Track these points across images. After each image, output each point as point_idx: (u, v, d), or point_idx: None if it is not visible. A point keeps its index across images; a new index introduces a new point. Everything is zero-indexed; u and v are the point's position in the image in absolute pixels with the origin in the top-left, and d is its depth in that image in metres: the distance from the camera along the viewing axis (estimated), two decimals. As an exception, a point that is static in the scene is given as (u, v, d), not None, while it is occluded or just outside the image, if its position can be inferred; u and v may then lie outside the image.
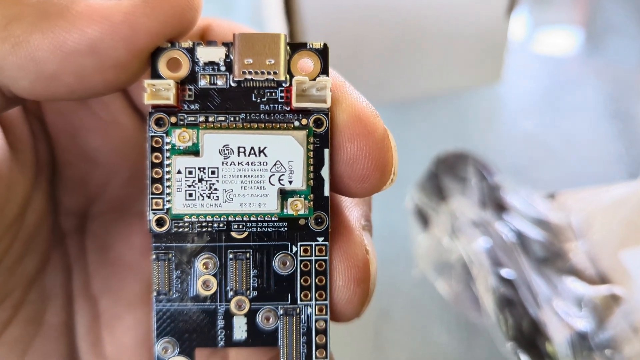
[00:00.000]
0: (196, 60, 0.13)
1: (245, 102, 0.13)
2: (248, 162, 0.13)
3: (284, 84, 0.13)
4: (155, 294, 0.14)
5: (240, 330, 0.14)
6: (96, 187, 0.17)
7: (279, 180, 0.13)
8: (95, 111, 0.16)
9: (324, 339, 0.14)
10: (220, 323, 0.14)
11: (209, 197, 0.13)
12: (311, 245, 0.14)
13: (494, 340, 0.29)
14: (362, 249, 0.14)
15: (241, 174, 0.13)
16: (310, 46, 0.14)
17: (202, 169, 0.13)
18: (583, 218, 0.33)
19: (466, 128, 0.46)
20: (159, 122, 0.13)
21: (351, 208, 0.15)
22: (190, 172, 0.13)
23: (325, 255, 0.14)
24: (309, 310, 0.14)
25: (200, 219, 0.13)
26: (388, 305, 0.35)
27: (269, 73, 0.13)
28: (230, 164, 0.13)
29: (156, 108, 0.13)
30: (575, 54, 0.55)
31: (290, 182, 0.13)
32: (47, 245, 0.16)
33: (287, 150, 0.13)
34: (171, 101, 0.13)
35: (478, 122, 0.47)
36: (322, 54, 0.14)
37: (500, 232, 0.31)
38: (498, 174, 0.36)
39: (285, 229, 0.14)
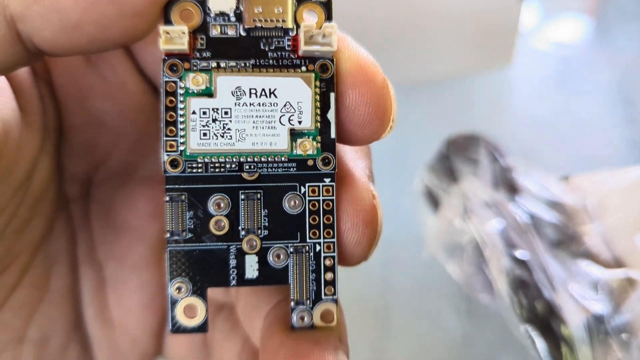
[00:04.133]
0: (207, 11, 0.14)
1: (254, 51, 0.14)
2: (259, 103, 0.14)
3: (291, 32, 0.14)
4: (168, 235, 0.14)
5: (251, 269, 0.14)
6: (102, 152, 0.17)
7: (289, 120, 0.14)
8: (103, 74, 0.16)
9: (333, 276, 0.14)
10: (233, 262, 0.14)
11: (222, 137, 0.14)
12: (319, 186, 0.14)
13: (505, 323, 0.28)
14: (369, 193, 0.15)
15: (253, 114, 0.14)
16: None
17: (215, 110, 0.14)
18: (598, 201, 0.33)
19: (476, 111, 0.45)
20: (172, 68, 0.14)
21: (355, 160, 0.15)
22: (204, 113, 0.14)
23: (332, 195, 0.14)
24: (317, 248, 0.14)
25: (214, 160, 0.14)
26: (398, 288, 0.34)
27: (277, 21, 0.14)
28: (243, 105, 0.14)
29: (169, 55, 0.14)
30: (586, 40, 0.54)
31: (300, 122, 0.14)
32: (52, 210, 0.16)
33: (296, 91, 0.14)
34: (185, 47, 0.13)
35: (488, 105, 0.46)
36: (326, 6, 0.15)
37: (513, 213, 0.31)
38: (510, 156, 0.35)
39: (295, 169, 0.14)
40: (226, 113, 0.14)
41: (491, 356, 0.30)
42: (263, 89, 0.14)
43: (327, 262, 0.14)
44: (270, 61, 0.14)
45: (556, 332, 0.26)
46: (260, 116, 0.14)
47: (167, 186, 0.14)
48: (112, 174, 0.17)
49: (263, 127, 0.14)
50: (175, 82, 0.14)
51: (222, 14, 0.14)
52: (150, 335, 0.18)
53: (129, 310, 0.18)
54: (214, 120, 0.14)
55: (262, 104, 0.14)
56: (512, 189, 0.33)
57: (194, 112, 0.13)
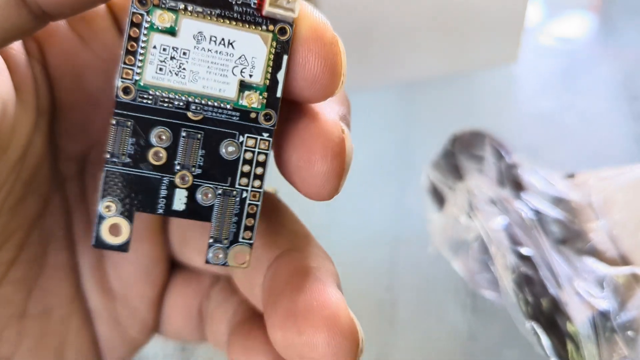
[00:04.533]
0: None
1: (221, 1, 0.14)
2: (217, 51, 0.14)
3: None
4: (108, 155, 0.14)
5: (179, 202, 0.15)
6: (97, 130, 0.17)
7: (241, 72, 0.15)
8: (97, 53, 0.17)
9: (253, 223, 0.15)
10: (163, 192, 0.15)
11: (176, 75, 0.14)
12: (256, 139, 0.15)
13: (511, 319, 0.28)
14: (338, 128, 0.15)
15: (209, 60, 0.14)
16: None
17: (175, 49, 0.14)
18: (604, 198, 0.33)
19: (482, 107, 0.45)
20: (142, 1, 0.14)
21: (329, 103, 0.16)
22: (164, 50, 0.14)
23: (268, 150, 0.15)
24: (244, 194, 0.15)
25: (164, 95, 0.14)
26: (403, 284, 0.34)
27: None
28: (201, 50, 0.14)
29: None
30: (592, 36, 0.54)
31: (251, 75, 0.15)
32: (47, 188, 0.17)
33: (253, 47, 0.15)
34: None
35: (494, 101, 0.46)
36: None
37: (518, 210, 0.31)
38: (515, 152, 0.35)
39: (237, 119, 0.15)
40: (184, 54, 0.14)
41: (496, 352, 0.30)
42: (223, 39, 0.14)
43: (250, 210, 0.15)
44: (235, 14, 0.14)
45: (562, 329, 0.26)
46: (215, 63, 0.14)
47: (116, 110, 0.14)
48: None
49: (215, 74, 0.15)
50: (142, 15, 0.14)
51: None
52: (148, 306, 0.19)
53: (127, 281, 0.18)
54: (172, 58, 0.14)
55: (219, 52, 0.14)
56: (518, 185, 0.33)
57: (154, 47, 0.14)
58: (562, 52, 0.51)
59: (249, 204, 0.15)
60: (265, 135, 0.15)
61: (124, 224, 0.15)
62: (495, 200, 0.31)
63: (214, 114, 0.15)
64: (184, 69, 0.14)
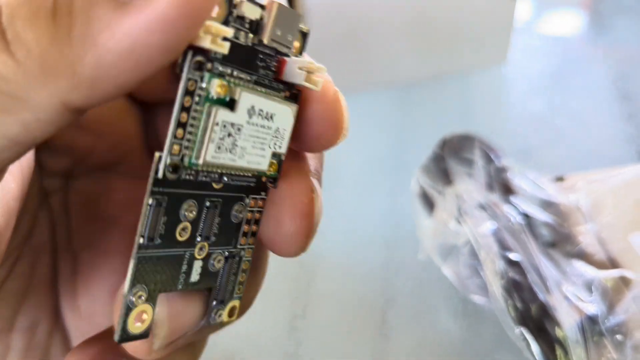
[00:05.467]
0: (232, 10, 0.13)
1: (250, 64, 0.14)
2: (262, 125, 0.14)
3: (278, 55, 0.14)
4: (142, 241, 0.13)
5: (195, 273, 0.14)
6: (81, 152, 0.17)
7: (275, 144, 0.15)
8: None
9: (244, 277, 0.15)
10: (184, 268, 0.14)
11: (230, 152, 0.14)
12: (257, 199, 0.15)
13: (502, 325, 0.28)
14: (309, 188, 0.15)
15: (255, 135, 0.14)
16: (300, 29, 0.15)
17: (233, 125, 0.13)
18: (592, 201, 0.33)
19: (472, 109, 0.45)
20: (199, 66, 0.12)
21: (304, 158, 0.16)
22: (224, 126, 0.13)
23: (262, 207, 0.15)
24: (242, 253, 0.15)
25: (209, 171, 0.14)
26: (394, 290, 0.34)
27: (287, 47, 0.14)
28: (251, 125, 0.14)
29: (195, 49, 0.12)
30: (582, 34, 0.54)
31: (280, 147, 0.15)
32: (36, 204, 0.17)
33: (285, 119, 0.14)
34: (225, 52, 0.13)
35: (484, 103, 0.46)
36: (305, 36, 0.15)
37: (507, 215, 0.31)
38: (505, 156, 0.35)
39: (254, 184, 0.15)
40: (239, 129, 0.14)
41: (487, 357, 0.30)
42: (267, 112, 0.14)
43: (244, 266, 0.15)
44: (265, 80, 0.14)
45: (550, 334, 0.27)
46: (259, 137, 0.14)
47: (154, 189, 0.13)
48: (92, 169, 0.18)
49: (257, 148, 0.14)
50: (196, 82, 0.12)
51: (243, 19, 0.13)
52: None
53: (96, 298, 0.18)
54: (229, 135, 0.13)
55: (263, 126, 0.14)
56: (507, 189, 0.33)
57: (217, 124, 0.13)
58: (552, 51, 0.52)
59: (244, 261, 0.15)
60: (264, 194, 0.15)
61: (148, 310, 0.13)
62: (484, 205, 0.31)
63: (235, 181, 0.14)
64: (236, 145, 0.14)
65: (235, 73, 0.13)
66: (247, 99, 0.13)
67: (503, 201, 0.32)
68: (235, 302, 0.15)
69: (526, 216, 0.32)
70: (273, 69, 0.14)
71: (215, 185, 0.14)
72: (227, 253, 0.15)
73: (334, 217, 0.38)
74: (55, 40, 0.11)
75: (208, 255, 0.14)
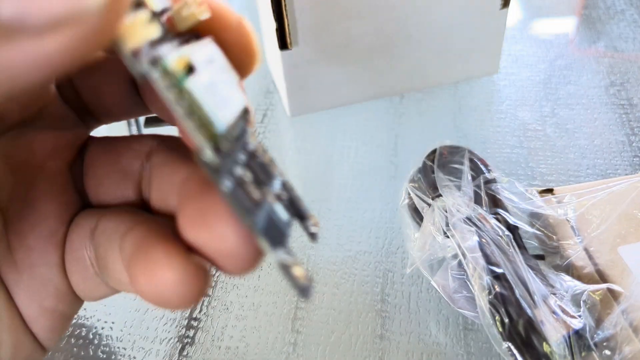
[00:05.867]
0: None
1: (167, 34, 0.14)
2: (215, 69, 0.15)
3: None
4: (252, 218, 0.14)
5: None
6: None
7: (232, 77, 0.15)
8: None
9: None
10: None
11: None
12: None
13: (490, 338, 0.28)
14: None
15: (220, 80, 0.15)
16: None
17: (207, 83, 0.14)
18: (580, 214, 0.33)
19: (464, 120, 0.45)
20: (155, 61, 0.12)
21: None
22: (205, 89, 0.14)
23: None
24: None
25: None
26: (383, 302, 0.34)
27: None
28: (212, 74, 0.15)
29: (135, 52, 0.12)
30: (574, 41, 0.54)
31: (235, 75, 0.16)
32: None
33: (218, 54, 0.15)
34: (159, 33, 0.13)
35: (475, 114, 0.46)
36: None
37: (495, 228, 0.31)
38: (494, 168, 0.35)
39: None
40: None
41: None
42: (207, 58, 0.15)
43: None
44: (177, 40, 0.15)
45: (538, 350, 0.27)
46: (222, 80, 0.15)
47: (217, 176, 0.14)
48: (7, 129, 0.17)
49: (229, 88, 0.15)
50: (166, 74, 0.13)
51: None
52: (57, 272, 0.18)
53: (31, 248, 0.17)
54: (212, 92, 0.14)
55: (217, 70, 0.15)
56: (495, 202, 0.33)
57: (199, 91, 0.14)
58: (543, 59, 0.52)
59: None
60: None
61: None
62: (472, 218, 0.31)
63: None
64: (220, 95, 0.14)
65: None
66: (193, 58, 0.13)
67: (491, 213, 0.32)
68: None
69: (514, 229, 0.32)
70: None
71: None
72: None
73: (334, 225, 0.38)
74: None
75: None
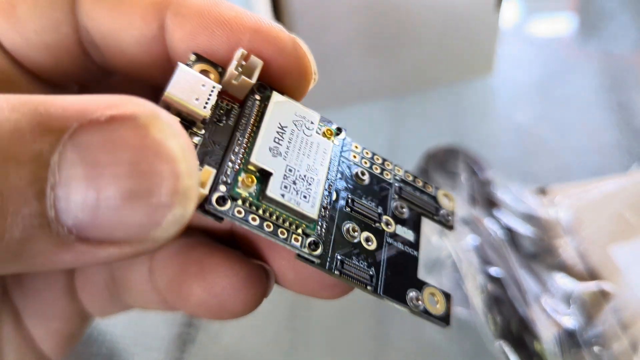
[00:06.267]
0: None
1: (222, 135, 0.15)
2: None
3: None
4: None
5: None
6: None
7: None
8: None
9: None
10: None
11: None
12: None
13: (483, 338, 0.29)
14: None
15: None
16: None
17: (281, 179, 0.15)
18: (573, 213, 0.33)
19: (458, 121, 0.46)
20: (223, 201, 0.14)
21: None
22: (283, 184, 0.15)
23: None
24: None
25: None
26: (379, 302, 0.35)
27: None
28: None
29: (206, 211, 0.14)
30: (568, 42, 0.54)
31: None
32: None
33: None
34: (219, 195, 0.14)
35: (470, 115, 0.47)
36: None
37: (489, 229, 0.31)
38: (489, 169, 0.36)
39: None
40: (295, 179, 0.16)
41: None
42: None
43: None
44: (244, 126, 0.15)
45: (529, 348, 0.27)
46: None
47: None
48: None
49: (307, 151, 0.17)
50: (239, 204, 0.14)
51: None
52: (63, 294, 0.18)
53: (36, 272, 0.17)
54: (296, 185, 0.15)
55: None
56: (490, 202, 0.34)
57: (276, 200, 0.15)
58: (538, 59, 0.52)
59: None
60: None
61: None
62: (466, 219, 0.32)
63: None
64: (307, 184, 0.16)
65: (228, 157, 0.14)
66: (261, 158, 0.14)
67: (485, 214, 0.33)
68: None
69: (508, 229, 0.33)
70: (232, 108, 0.15)
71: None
72: None
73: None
74: None
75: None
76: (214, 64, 0.14)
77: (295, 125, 0.15)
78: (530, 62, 0.52)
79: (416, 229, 0.17)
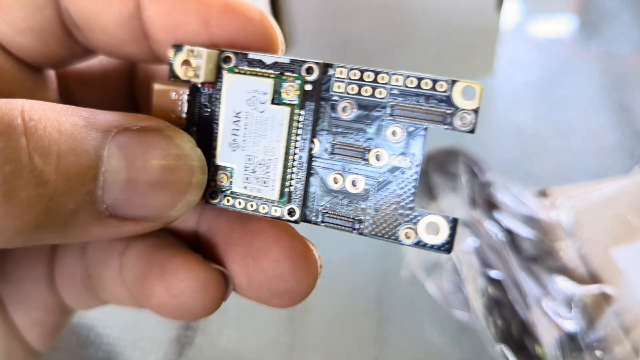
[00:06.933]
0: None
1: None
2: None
3: None
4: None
5: None
6: None
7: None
8: None
9: None
10: None
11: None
12: None
13: (484, 341, 0.29)
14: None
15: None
16: None
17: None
18: (574, 216, 0.33)
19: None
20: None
21: None
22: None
23: None
24: None
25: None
26: (379, 304, 0.34)
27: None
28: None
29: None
30: (569, 43, 0.54)
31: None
32: None
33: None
34: None
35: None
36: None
37: (489, 231, 0.31)
38: (489, 171, 0.36)
39: None
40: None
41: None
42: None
43: None
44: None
45: (530, 352, 0.27)
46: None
47: None
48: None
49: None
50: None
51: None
52: (44, 285, 0.19)
53: (18, 262, 0.18)
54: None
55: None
56: (490, 204, 0.33)
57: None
58: (539, 60, 0.52)
59: None
60: None
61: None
62: (467, 221, 0.32)
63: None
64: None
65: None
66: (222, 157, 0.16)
67: (486, 216, 0.33)
68: None
69: (508, 232, 0.33)
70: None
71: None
72: None
73: (323, 229, 0.39)
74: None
75: None
76: (192, 50, 0.15)
77: (249, 104, 0.15)
78: (531, 63, 0.52)
79: (416, 149, 0.15)
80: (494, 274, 0.29)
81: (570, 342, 0.28)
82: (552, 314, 0.28)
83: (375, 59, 0.45)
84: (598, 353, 0.28)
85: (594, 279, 0.31)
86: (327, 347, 0.33)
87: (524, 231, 0.33)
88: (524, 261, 0.31)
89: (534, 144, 0.44)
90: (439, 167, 0.35)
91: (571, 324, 0.28)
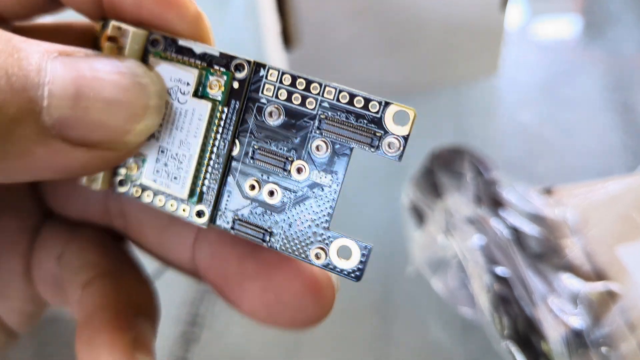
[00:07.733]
0: None
1: None
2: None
3: None
4: None
5: None
6: None
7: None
8: None
9: None
10: None
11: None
12: None
13: (489, 338, 0.29)
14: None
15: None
16: None
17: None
18: (579, 213, 0.33)
19: (463, 122, 0.46)
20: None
21: None
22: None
23: None
24: None
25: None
26: (384, 301, 0.35)
27: None
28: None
29: None
30: (573, 44, 0.54)
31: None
32: None
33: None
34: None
35: (475, 115, 0.47)
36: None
37: (495, 228, 0.31)
38: (494, 169, 0.36)
39: None
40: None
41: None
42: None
43: None
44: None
45: (536, 348, 0.27)
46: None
47: None
48: None
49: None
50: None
51: None
52: (20, 278, 0.19)
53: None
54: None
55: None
56: (495, 202, 0.33)
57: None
58: (543, 61, 0.52)
59: None
60: None
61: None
62: (472, 219, 0.32)
63: None
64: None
65: None
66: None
67: (491, 214, 0.33)
68: None
69: (514, 229, 0.33)
70: None
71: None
72: None
73: (336, 226, 0.39)
74: None
75: None
76: (119, 27, 0.15)
77: (170, 93, 0.14)
78: (536, 64, 0.52)
79: (340, 167, 0.14)
80: (500, 271, 0.29)
81: (576, 338, 0.28)
82: (557, 310, 0.28)
83: (380, 59, 0.46)
84: (604, 349, 0.28)
85: (599, 276, 0.31)
86: (333, 344, 0.33)
87: (529, 229, 0.33)
88: (530, 258, 0.31)
89: (539, 143, 0.44)
90: (444, 165, 0.35)
91: (577, 320, 0.28)
